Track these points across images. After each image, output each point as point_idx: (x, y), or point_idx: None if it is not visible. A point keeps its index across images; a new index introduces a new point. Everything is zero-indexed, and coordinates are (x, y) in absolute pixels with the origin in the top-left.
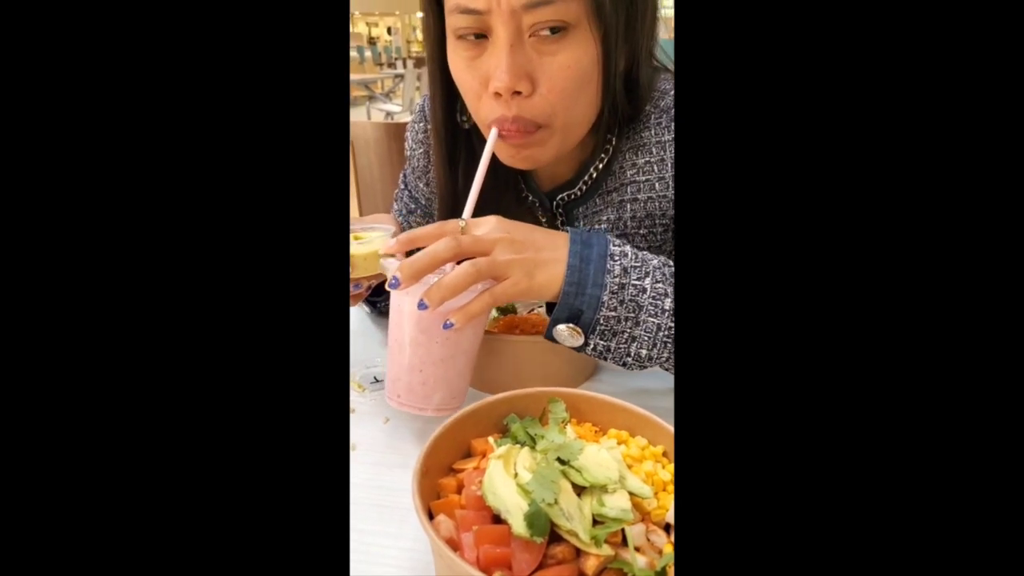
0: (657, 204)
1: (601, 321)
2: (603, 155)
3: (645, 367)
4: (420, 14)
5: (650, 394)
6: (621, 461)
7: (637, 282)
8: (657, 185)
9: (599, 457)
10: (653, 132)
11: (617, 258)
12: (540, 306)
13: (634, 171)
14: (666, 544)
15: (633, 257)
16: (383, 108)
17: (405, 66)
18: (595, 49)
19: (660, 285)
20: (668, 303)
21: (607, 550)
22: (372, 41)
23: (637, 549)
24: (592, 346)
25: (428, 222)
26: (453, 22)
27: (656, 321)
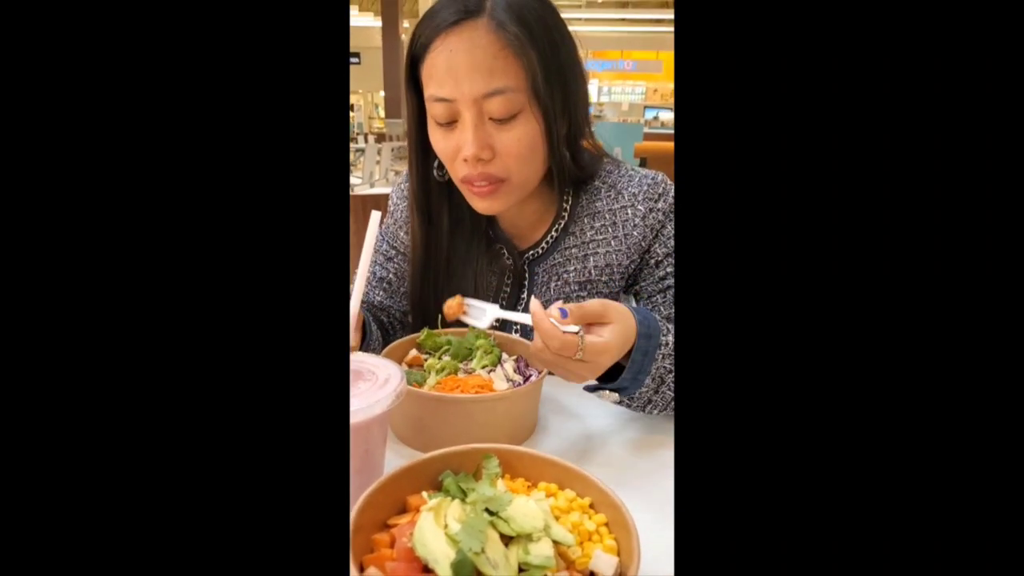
0: (614, 256)
1: (635, 395)
2: (560, 220)
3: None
4: (383, 92)
5: (591, 438)
6: (548, 512)
7: (668, 366)
8: (613, 242)
9: (526, 508)
10: (605, 202)
11: (662, 348)
12: (483, 368)
13: (593, 232)
14: None
15: (669, 346)
16: None
17: (367, 141)
18: (539, 124)
19: None
20: None
21: None
22: None
23: None
24: (619, 401)
25: (406, 266)
26: (431, 109)
27: (671, 395)
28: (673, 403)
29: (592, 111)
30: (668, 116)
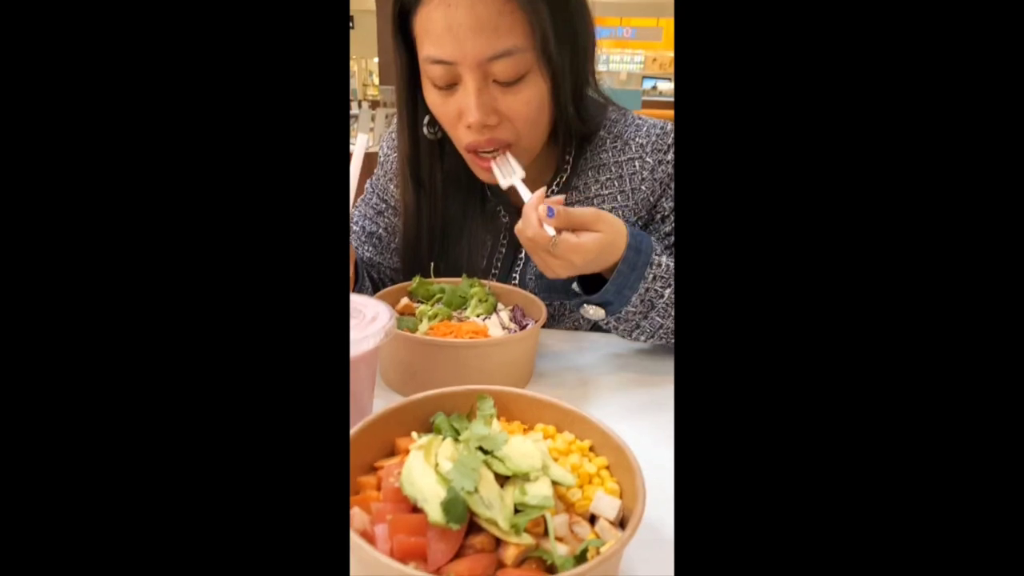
0: (620, 212)
1: (622, 313)
2: (562, 174)
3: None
4: (376, 59)
5: (587, 384)
6: (546, 452)
7: (659, 289)
8: (619, 197)
9: (523, 447)
10: (611, 154)
11: (653, 268)
12: (479, 316)
13: (598, 186)
14: (590, 535)
15: (665, 269)
16: None
17: (360, 107)
18: (547, 85)
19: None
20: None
21: (527, 539)
22: None
23: (559, 539)
24: (605, 321)
25: (396, 220)
26: (427, 71)
27: (660, 321)
28: (662, 333)
29: None
30: (666, 86)
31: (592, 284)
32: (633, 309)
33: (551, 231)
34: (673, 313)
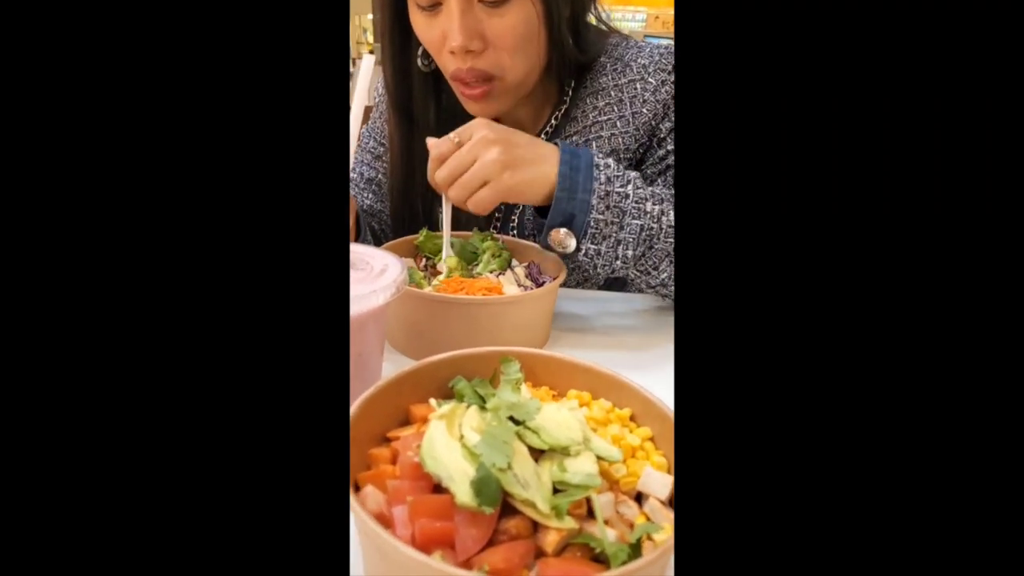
0: (620, 139)
1: (591, 224)
2: (562, 106)
3: (632, 273)
4: (370, 16)
5: (613, 349)
6: (584, 422)
7: (620, 189)
8: (619, 123)
9: (559, 416)
10: (610, 77)
11: (602, 168)
12: (492, 272)
13: (596, 113)
14: (638, 516)
15: (616, 167)
16: None
17: (355, 65)
18: (538, 9)
19: (640, 191)
20: (649, 206)
21: (570, 523)
22: None
23: (606, 522)
24: (584, 251)
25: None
26: None
27: (639, 223)
28: (660, 249)
29: None
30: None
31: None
32: (600, 217)
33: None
34: (650, 211)
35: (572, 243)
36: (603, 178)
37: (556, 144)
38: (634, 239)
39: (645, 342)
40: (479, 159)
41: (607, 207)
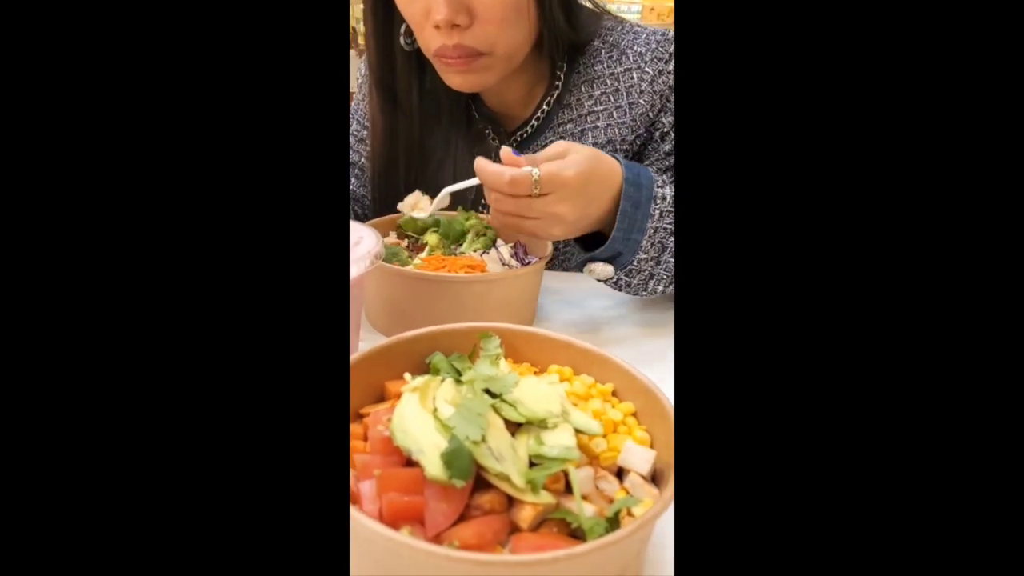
0: (617, 130)
1: (634, 262)
2: (553, 91)
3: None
4: (362, 4)
5: (596, 322)
6: (563, 395)
7: (668, 226)
8: (615, 113)
9: (537, 389)
10: (606, 65)
11: (658, 202)
12: (475, 251)
13: (591, 102)
14: (618, 491)
15: (669, 201)
16: None
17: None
18: None
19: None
20: None
21: (546, 497)
22: None
23: (584, 497)
24: (615, 280)
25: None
26: None
27: (673, 260)
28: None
29: None
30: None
31: (591, 246)
32: (644, 256)
33: (530, 169)
34: None
35: (609, 272)
36: (656, 215)
37: (620, 160)
38: (667, 277)
39: (636, 319)
40: (544, 219)
41: (651, 244)
